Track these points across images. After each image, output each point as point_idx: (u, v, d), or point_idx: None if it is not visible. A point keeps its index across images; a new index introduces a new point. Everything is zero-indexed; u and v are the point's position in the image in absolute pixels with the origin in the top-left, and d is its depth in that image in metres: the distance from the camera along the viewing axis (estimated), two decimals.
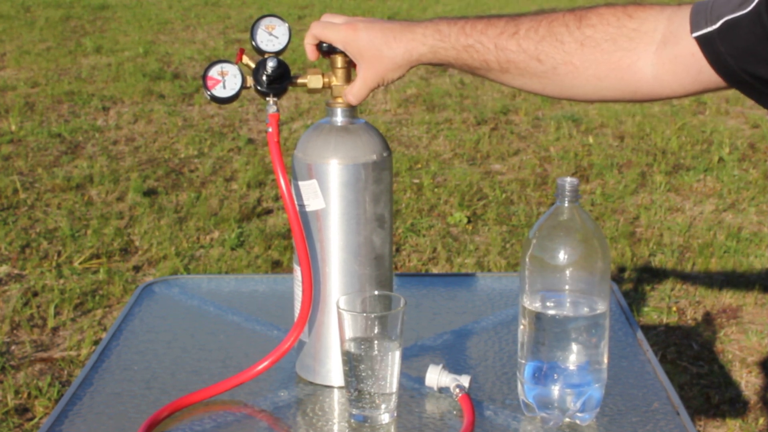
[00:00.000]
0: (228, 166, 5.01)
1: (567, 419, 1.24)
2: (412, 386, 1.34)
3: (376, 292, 1.30)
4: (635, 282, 3.69)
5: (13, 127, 5.67)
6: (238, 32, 9.08)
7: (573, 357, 1.22)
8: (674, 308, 3.45)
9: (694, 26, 1.12)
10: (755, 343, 3.23)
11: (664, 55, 1.16)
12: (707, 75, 1.13)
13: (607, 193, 4.64)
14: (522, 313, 1.24)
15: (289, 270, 1.41)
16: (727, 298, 3.54)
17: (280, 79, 1.31)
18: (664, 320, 3.37)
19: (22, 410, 2.84)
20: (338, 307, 1.24)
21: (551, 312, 1.22)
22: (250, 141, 5.46)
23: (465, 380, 1.30)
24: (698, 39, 1.11)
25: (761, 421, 2.82)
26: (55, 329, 3.31)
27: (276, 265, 3.81)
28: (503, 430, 1.25)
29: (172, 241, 4.02)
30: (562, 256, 1.21)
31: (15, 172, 4.86)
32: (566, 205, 1.21)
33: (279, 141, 1.29)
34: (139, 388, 1.36)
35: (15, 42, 8.43)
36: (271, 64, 1.29)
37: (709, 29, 1.10)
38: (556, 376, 1.22)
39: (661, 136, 5.54)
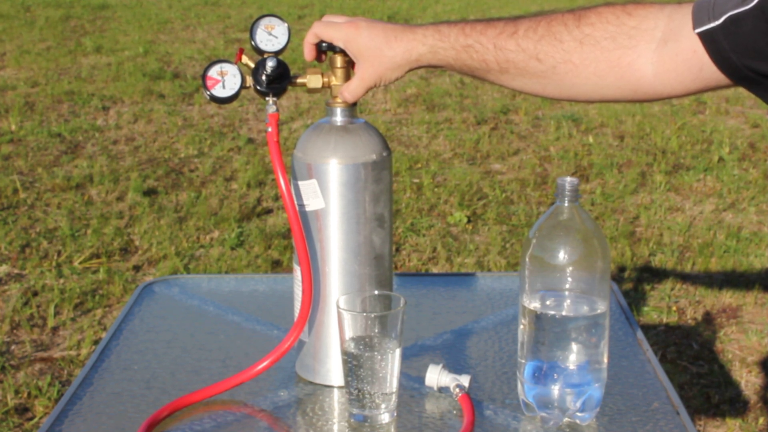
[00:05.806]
0: (228, 166, 5.01)
1: (567, 419, 1.24)
2: (412, 386, 1.34)
3: (376, 292, 1.30)
4: (635, 282, 3.68)
5: (13, 127, 5.67)
6: (238, 32, 9.08)
7: (573, 357, 1.22)
8: (674, 308, 3.44)
9: (697, 22, 1.12)
10: (755, 342, 3.23)
11: (664, 53, 1.16)
12: (709, 72, 1.13)
13: (607, 192, 4.63)
14: (522, 313, 1.24)
15: (289, 270, 1.41)
16: (727, 297, 3.54)
17: (279, 79, 1.31)
18: (664, 320, 3.37)
19: (22, 410, 2.84)
20: (338, 307, 1.24)
21: (551, 312, 1.21)
22: (250, 141, 5.46)
23: (465, 380, 1.30)
24: (701, 35, 1.11)
25: (761, 420, 2.81)
26: (55, 329, 3.31)
27: (276, 265, 3.81)
28: (503, 430, 1.25)
29: (172, 240, 4.02)
30: (562, 255, 1.21)
31: (15, 172, 4.86)
32: (566, 204, 1.21)
33: (279, 141, 1.29)
34: (139, 388, 1.36)
35: (15, 42, 8.43)
36: (270, 64, 1.29)
37: (712, 25, 1.10)
38: (556, 376, 1.22)
39: (661, 135, 5.54)
